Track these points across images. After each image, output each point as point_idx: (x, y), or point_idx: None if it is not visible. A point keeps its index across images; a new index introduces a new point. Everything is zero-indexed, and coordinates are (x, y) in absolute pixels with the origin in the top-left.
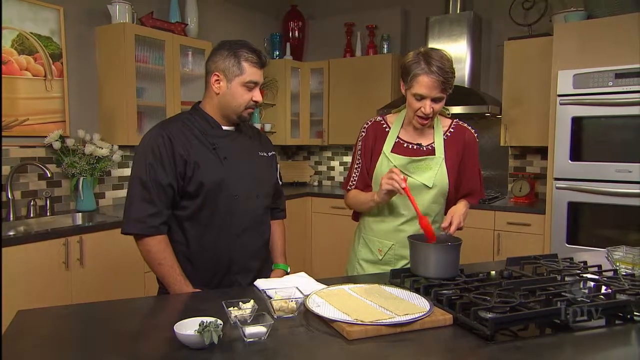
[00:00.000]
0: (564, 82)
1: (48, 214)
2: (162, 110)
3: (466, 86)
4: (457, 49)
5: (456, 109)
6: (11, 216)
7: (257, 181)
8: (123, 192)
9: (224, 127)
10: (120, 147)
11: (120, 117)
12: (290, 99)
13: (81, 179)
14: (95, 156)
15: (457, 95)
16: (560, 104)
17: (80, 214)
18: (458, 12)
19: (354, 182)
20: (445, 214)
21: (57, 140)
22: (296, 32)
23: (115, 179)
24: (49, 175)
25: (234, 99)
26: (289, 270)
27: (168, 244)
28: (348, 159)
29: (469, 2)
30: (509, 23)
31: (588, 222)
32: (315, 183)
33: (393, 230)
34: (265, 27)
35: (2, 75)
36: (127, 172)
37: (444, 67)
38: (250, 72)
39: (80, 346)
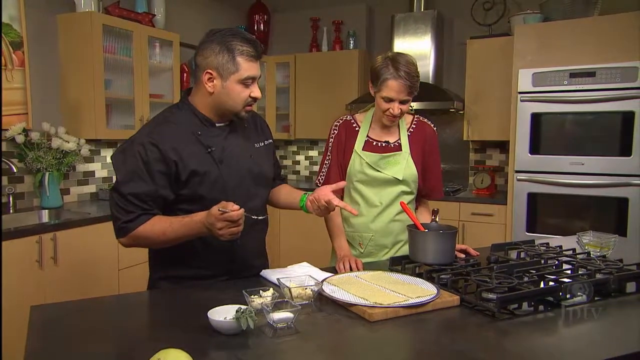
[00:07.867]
0: (524, 80)
1: (11, 211)
2: (130, 103)
3: (430, 82)
4: (421, 46)
5: (421, 105)
6: None
7: (255, 179)
8: (88, 188)
9: (217, 124)
10: (87, 141)
11: (87, 110)
12: None
13: (47, 174)
14: (62, 150)
15: (421, 91)
16: (521, 100)
17: (46, 211)
18: (422, 10)
19: (322, 178)
20: (416, 205)
21: (20, 134)
22: (261, 25)
23: (80, 174)
24: (15, 171)
25: (230, 98)
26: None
27: (153, 223)
28: (313, 153)
29: (432, 0)
30: (470, 22)
31: (546, 212)
32: None
33: (370, 222)
34: (230, 20)
35: None
36: (92, 167)
37: (411, 72)
38: (247, 67)
39: (114, 336)
